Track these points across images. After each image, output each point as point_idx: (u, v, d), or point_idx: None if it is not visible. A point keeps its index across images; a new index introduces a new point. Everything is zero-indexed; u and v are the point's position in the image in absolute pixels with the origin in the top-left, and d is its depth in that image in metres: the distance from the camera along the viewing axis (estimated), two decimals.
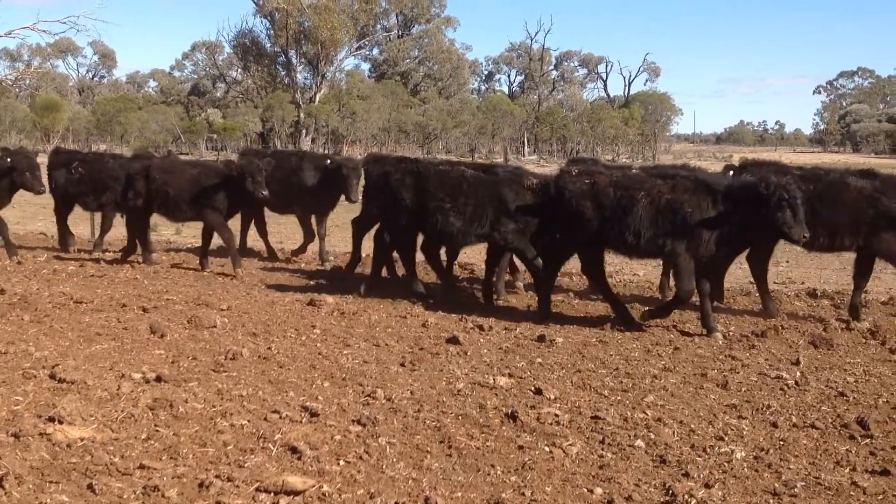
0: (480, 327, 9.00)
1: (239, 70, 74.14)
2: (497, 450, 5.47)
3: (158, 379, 6.60)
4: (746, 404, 6.55)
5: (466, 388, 6.77)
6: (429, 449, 5.44)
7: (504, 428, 5.89)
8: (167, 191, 12.38)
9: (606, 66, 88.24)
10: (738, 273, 13.26)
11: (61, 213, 14.38)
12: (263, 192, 12.14)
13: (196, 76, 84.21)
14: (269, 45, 66.28)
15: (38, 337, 7.91)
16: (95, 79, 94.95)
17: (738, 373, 7.48)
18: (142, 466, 4.92)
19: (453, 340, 8.34)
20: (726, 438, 5.77)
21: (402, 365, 7.45)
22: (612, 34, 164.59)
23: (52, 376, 6.53)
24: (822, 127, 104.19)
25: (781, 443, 5.74)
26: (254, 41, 66.61)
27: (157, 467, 4.92)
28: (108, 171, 13.70)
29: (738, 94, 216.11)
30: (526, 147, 69.46)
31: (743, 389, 6.97)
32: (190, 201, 12.28)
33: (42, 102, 62.21)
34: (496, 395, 6.64)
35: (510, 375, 7.19)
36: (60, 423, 5.48)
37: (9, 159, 12.96)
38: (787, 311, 10.32)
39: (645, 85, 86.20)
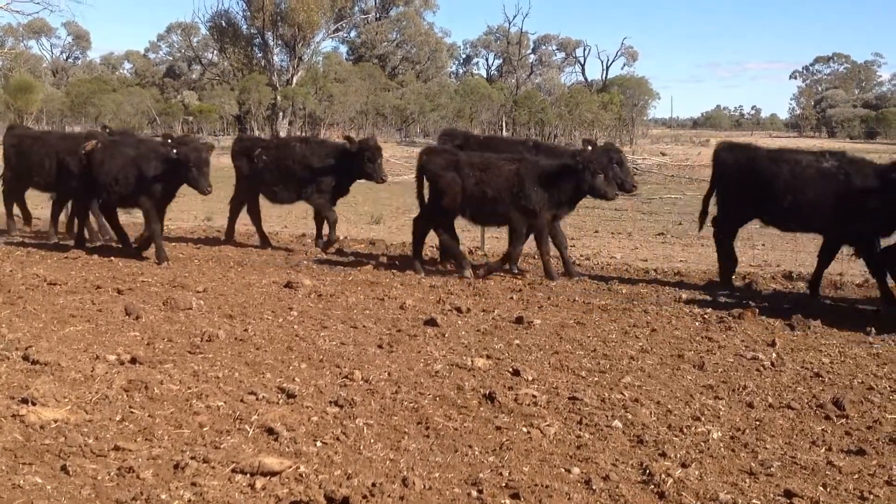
0: (458, 309, 8.98)
1: (215, 52, 73.51)
2: (475, 430, 5.46)
3: (133, 361, 6.54)
4: (723, 385, 6.58)
5: (444, 369, 6.76)
6: (406, 430, 5.43)
7: (482, 409, 5.88)
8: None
9: (584, 50, 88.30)
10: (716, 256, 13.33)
11: (238, 205, 13.83)
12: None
13: (171, 58, 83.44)
14: (245, 26, 65.70)
15: (11, 319, 7.82)
16: (69, 60, 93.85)
17: (714, 354, 7.51)
18: (116, 448, 4.87)
19: (431, 322, 8.31)
20: (703, 419, 5.79)
21: (380, 347, 7.42)
22: (590, 18, 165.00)
23: (26, 358, 6.45)
24: (797, 112, 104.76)
25: (758, 423, 5.77)
26: (230, 22, 66.00)
27: (131, 449, 4.88)
28: (298, 159, 13.12)
29: (715, 78, 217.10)
30: (504, 131, 69.39)
31: (719, 370, 7.00)
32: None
33: (16, 84, 61.37)
34: (474, 376, 6.62)
35: (488, 357, 7.18)
36: (34, 404, 5.42)
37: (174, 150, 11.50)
38: (764, 293, 10.38)
39: (622, 69, 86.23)
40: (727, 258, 10.86)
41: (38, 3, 56.96)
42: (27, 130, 15.18)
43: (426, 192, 11.53)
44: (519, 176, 10.76)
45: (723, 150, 11.11)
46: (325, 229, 13.20)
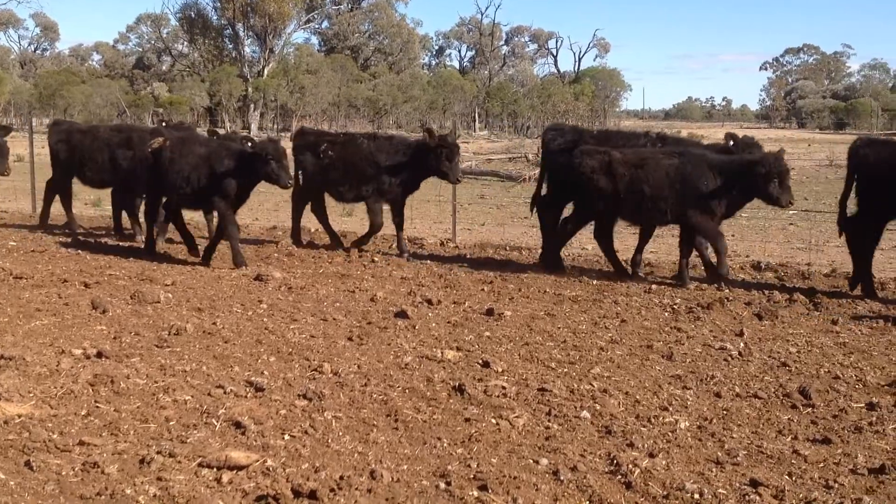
0: (429, 301, 8.97)
1: (185, 43, 72.90)
2: (444, 422, 5.46)
3: (99, 355, 6.47)
4: (691, 375, 6.62)
5: (414, 361, 6.75)
6: (375, 422, 5.41)
7: (451, 401, 5.88)
8: None
9: (557, 41, 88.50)
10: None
11: (300, 203, 13.05)
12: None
13: (141, 49, 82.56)
14: (215, 17, 65.28)
15: None
16: (37, 52, 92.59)
17: (682, 344, 7.56)
18: (81, 443, 4.82)
19: (402, 315, 8.30)
20: (671, 409, 5.82)
21: (350, 339, 7.40)
22: (562, 10, 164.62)
23: None
24: (768, 103, 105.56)
25: (725, 412, 5.81)
26: (200, 14, 65.52)
27: (96, 444, 4.82)
28: (366, 155, 12.45)
29: (687, 70, 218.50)
30: (477, 122, 69.43)
31: (688, 360, 7.04)
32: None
33: None
34: (444, 368, 6.62)
35: (458, 349, 7.18)
36: None
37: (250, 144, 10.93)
38: (733, 283, 10.45)
39: (595, 61, 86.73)
40: (864, 261, 10.14)
41: None
42: (74, 124, 14.78)
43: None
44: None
45: (861, 146, 10.36)
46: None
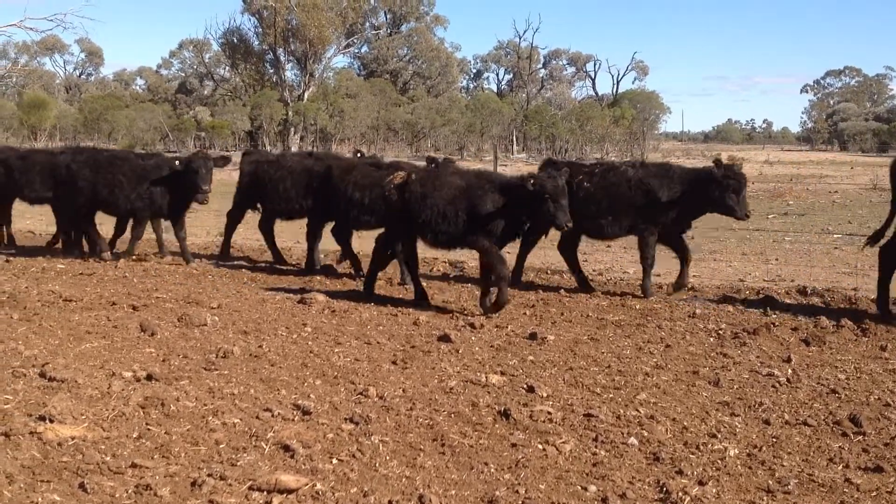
0: (472, 325, 8.98)
1: (227, 68, 73.91)
2: (490, 447, 5.46)
3: (149, 377, 6.55)
4: (739, 401, 6.56)
5: (459, 385, 6.76)
6: (422, 447, 5.42)
7: (497, 426, 5.88)
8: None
9: (595, 64, 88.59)
10: (729, 271, 13.32)
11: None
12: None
13: (184, 74, 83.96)
14: (256, 42, 66.02)
15: (28, 335, 7.84)
16: (82, 76, 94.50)
17: (729, 370, 7.49)
18: (133, 465, 4.88)
19: (445, 338, 8.32)
20: (719, 436, 5.77)
21: (394, 363, 7.43)
22: (600, 33, 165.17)
23: (42, 375, 6.47)
24: (809, 125, 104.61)
25: (774, 440, 5.74)
26: (241, 39, 66.34)
27: (148, 466, 4.89)
28: (634, 185, 11.22)
29: (725, 92, 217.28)
30: (515, 145, 69.50)
31: (735, 387, 6.98)
32: None
33: (29, 100, 61.90)
34: (488, 392, 6.62)
35: (502, 373, 7.18)
36: (51, 421, 5.44)
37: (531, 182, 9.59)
38: (778, 309, 10.35)
39: (633, 83, 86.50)
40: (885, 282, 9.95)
41: (52, 21, 57.42)
42: (264, 153, 14.78)
43: None
44: None
45: None
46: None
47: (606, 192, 11.25)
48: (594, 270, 13.20)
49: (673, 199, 11.00)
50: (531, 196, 9.49)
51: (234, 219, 13.93)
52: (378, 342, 8.18)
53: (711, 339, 8.70)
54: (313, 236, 12.77)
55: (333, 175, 12.24)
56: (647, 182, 11.09)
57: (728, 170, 10.83)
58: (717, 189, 10.77)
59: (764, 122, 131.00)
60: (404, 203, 10.05)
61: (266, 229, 13.64)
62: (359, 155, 14.19)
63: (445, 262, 13.62)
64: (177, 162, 12.84)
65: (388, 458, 5.22)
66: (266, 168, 13.28)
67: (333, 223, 12.84)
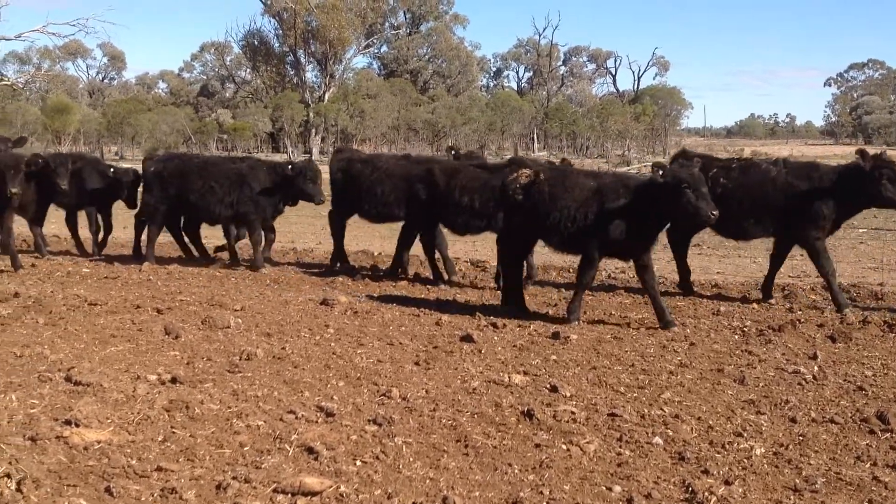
0: (494, 325, 8.97)
1: (248, 70, 74.35)
2: (514, 448, 5.44)
3: (174, 380, 6.59)
4: (764, 400, 6.50)
5: (482, 386, 6.74)
6: (445, 448, 5.41)
7: (520, 426, 5.86)
8: None
9: (615, 60, 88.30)
10: (753, 267, 13.23)
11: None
12: None
13: (205, 77, 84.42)
14: (277, 44, 66.44)
15: (53, 340, 7.91)
16: (105, 81, 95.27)
17: (755, 368, 7.43)
18: (159, 469, 4.91)
19: (467, 338, 8.31)
20: (745, 434, 5.72)
21: (417, 364, 7.42)
22: (620, 29, 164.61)
23: (68, 379, 6.51)
24: (833, 119, 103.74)
25: (801, 438, 5.69)
26: (262, 41, 66.75)
27: (174, 469, 4.91)
28: (780, 185, 10.51)
29: (747, 87, 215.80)
30: (535, 143, 69.39)
31: (760, 385, 6.92)
32: None
33: (53, 105, 62.46)
34: (511, 392, 6.60)
35: (525, 373, 7.16)
36: (77, 425, 5.47)
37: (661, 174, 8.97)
38: (803, 305, 10.27)
39: (654, 79, 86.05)
40: None
41: (74, 26, 57.95)
42: (357, 153, 14.07)
43: None
44: None
45: None
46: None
47: (748, 191, 10.51)
48: (616, 268, 13.14)
49: (821, 197, 10.21)
50: (666, 189, 8.75)
51: (338, 222, 13.24)
52: (400, 343, 8.18)
53: (736, 337, 8.64)
54: (405, 242, 12.36)
55: (436, 178, 11.66)
56: (792, 182, 10.38)
57: (877, 160, 10.07)
58: (871, 184, 9.96)
59: (787, 116, 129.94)
60: (531, 204, 9.46)
61: (339, 229, 13.21)
62: (453, 153, 13.87)
63: (467, 262, 13.61)
64: (289, 167, 12.68)
65: (411, 459, 5.21)
66: (361, 168, 12.74)
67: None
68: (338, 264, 13.03)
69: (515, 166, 9.87)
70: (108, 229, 14.45)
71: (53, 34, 59.97)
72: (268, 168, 12.91)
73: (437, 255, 12.21)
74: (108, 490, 4.62)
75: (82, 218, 14.49)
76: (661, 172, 8.82)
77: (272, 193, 12.75)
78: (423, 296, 10.84)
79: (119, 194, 14.14)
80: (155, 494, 4.60)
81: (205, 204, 12.85)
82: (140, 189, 13.94)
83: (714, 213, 8.68)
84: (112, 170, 14.20)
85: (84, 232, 14.52)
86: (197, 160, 13.61)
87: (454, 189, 11.41)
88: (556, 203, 9.24)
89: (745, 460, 5.25)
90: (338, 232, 13.09)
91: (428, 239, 12.06)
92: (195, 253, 13.89)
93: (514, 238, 9.91)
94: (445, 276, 12.06)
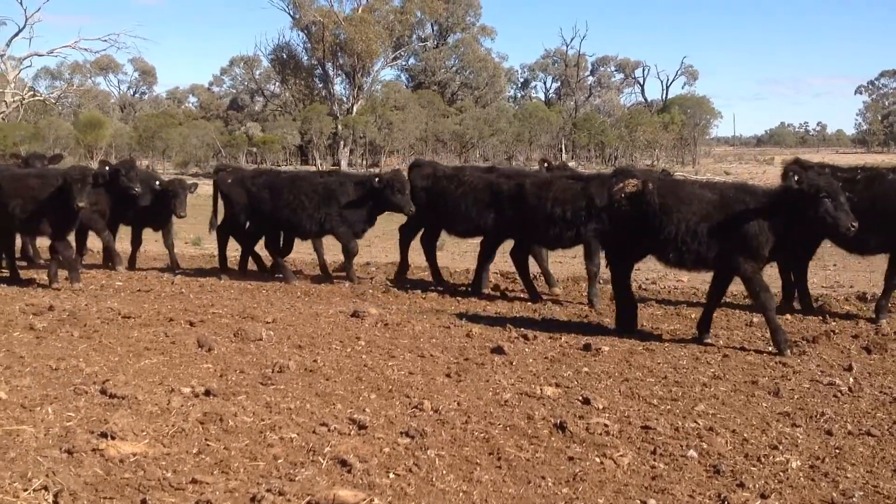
0: (525, 337, 8.95)
1: (277, 83, 74.72)
2: (547, 461, 5.42)
3: (207, 393, 6.63)
4: (800, 412, 6.44)
5: (513, 398, 6.73)
6: (478, 461, 5.41)
7: (553, 439, 5.84)
8: None
9: (643, 70, 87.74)
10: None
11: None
12: None
13: (235, 91, 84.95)
14: (306, 58, 66.74)
15: (88, 352, 7.99)
16: (136, 95, 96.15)
17: (789, 380, 7.37)
18: (194, 481, 4.94)
19: (498, 350, 8.30)
20: (781, 447, 5.67)
21: (448, 376, 7.42)
22: (648, 39, 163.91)
23: (103, 392, 6.58)
24: (864, 127, 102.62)
25: (837, 451, 5.63)
26: (291, 54, 67.10)
27: (209, 482, 4.94)
28: None
29: (777, 95, 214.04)
30: (563, 153, 69.25)
31: (795, 397, 6.85)
32: None
33: (85, 120, 63.06)
34: (544, 405, 6.58)
35: (557, 385, 7.14)
36: (113, 438, 5.52)
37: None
38: (837, 315, 10.17)
39: (683, 89, 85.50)
40: None
41: (106, 41, 58.65)
42: (437, 166, 13.74)
43: None
44: None
45: None
46: None
47: (874, 202, 9.76)
48: (646, 279, 13.09)
49: None
50: (802, 198, 8.29)
51: (410, 236, 13.28)
52: (432, 355, 8.19)
53: (770, 348, 8.55)
54: (487, 256, 12.19)
55: (527, 191, 11.39)
56: None
57: None
58: None
59: (818, 124, 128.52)
60: (641, 216, 8.94)
61: (430, 246, 13.12)
62: (546, 165, 13.55)
63: (496, 273, 13.59)
64: (376, 180, 12.61)
65: (444, 472, 5.21)
66: (444, 183, 12.61)
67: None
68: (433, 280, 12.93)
69: (622, 176, 9.34)
70: (138, 243, 14.54)
71: (85, 49, 60.78)
72: (355, 182, 12.93)
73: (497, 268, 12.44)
74: (143, 503, 4.66)
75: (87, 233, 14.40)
76: (796, 179, 8.31)
77: (361, 207, 12.73)
78: (453, 308, 10.84)
79: (166, 208, 13.95)
80: None
81: (295, 219, 12.87)
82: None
83: (854, 224, 8.26)
84: (158, 183, 14.09)
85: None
86: (286, 175, 13.63)
87: (546, 202, 11.15)
88: (671, 216, 8.74)
89: (781, 473, 5.20)
90: (405, 244, 13.15)
91: (519, 254, 11.79)
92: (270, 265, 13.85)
93: (622, 252, 9.43)
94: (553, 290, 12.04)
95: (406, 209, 12.40)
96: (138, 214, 13.98)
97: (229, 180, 13.49)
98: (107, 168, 12.73)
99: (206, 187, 19.49)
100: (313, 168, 48.78)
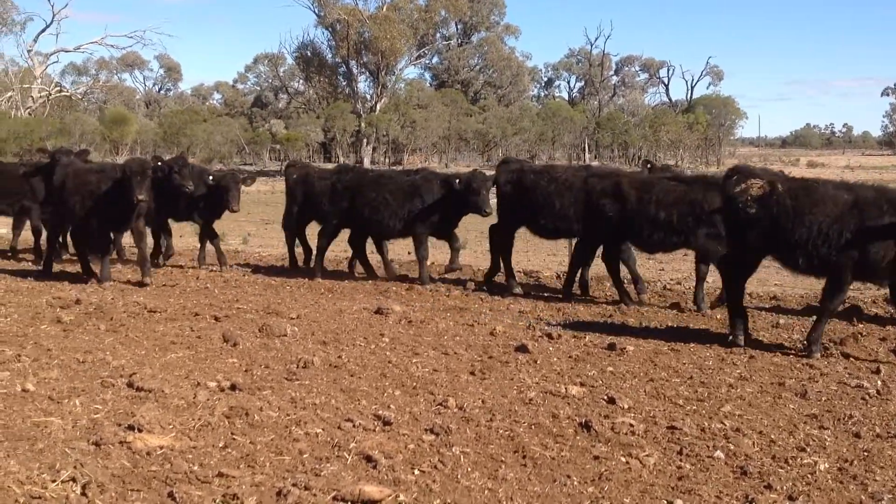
0: (549, 335, 8.93)
1: (301, 81, 74.99)
2: (572, 460, 5.40)
3: (233, 387, 6.66)
4: (827, 414, 6.38)
5: (538, 397, 6.71)
6: (503, 459, 5.39)
7: (578, 438, 5.82)
8: None
9: (668, 70, 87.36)
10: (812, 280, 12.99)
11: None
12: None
13: (259, 88, 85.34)
14: (330, 56, 66.86)
15: (115, 346, 8.05)
16: (161, 92, 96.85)
17: (816, 382, 7.30)
18: (220, 475, 4.96)
19: (522, 349, 8.28)
20: (808, 449, 5.62)
21: (472, 373, 7.41)
22: (673, 38, 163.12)
23: (130, 385, 6.63)
24: (891, 129, 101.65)
25: (865, 454, 5.57)
26: (315, 52, 67.25)
27: (235, 475, 4.95)
28: None
29: (803, 96, 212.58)
30: (587, 153, 69.06)
31: (823, 399, 6.79)
32: None
33: (111, 116, 63.58)
34: (568, 404, 6.56)
35: (582, 384, 7.11)
36: (140, 431, 5.56)
37: None
38: (864, 318, 10.07)
39: (708, 89, 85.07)
40: None
41: (131, 38, 59.13)
42: (527, 164, 13.48)
43: None
44: None
45: None
46: None
47: None
48: (672, 280, 13.02)
49: None
50: None
51: (505, 237, 12.67)
52: (455, 353, 8.18)
53: (796, 350, 8.48)
54: (582, 260, 11.72)
55: (625, 191, 10.92)
56: None
57: None
58: None
59: (843, 126, 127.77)
60: (768, 220, 8.40)
61: (506, 244, 12.65)
62: (648, 166, 13.03)
63: (520, 272, 13.56)
64: (456, 181, 12.36)
65: (469, 469, 5.20)
66: (534, 180, 12.18)
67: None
68: (511, 280, 12.35)
69: (742, 176, 8.69)
70: (207, 237, 14.24)
71: (111, 46, 61.31)
72: (441, 181, 12.64)
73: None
74: (170, 495, 4.68)
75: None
76: None
77: (442, 207, 12.47)
78: (476, 306, 10.82)
79: (220, 202, 13.69)
80: (217, 500, 4.66)
81: (378, 217, 12.63)
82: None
83: None
84: (211, 177, 13.87)
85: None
86: (372, 173, 13.35)
87: (647, 203, 10.71)
88: (803, 219, 8.15)
89: (809, 475, 5.15)
90: (505, 247, 12.55)
91: (612, 256, 11.39)
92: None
93: (741, 257, 8.85)
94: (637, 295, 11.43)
95: (483, 210, 12.12)
96: (191, 209, 13.84)
97: (294, 176, 13.44)
98: (159, 164, 12.61)
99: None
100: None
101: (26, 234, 15.57)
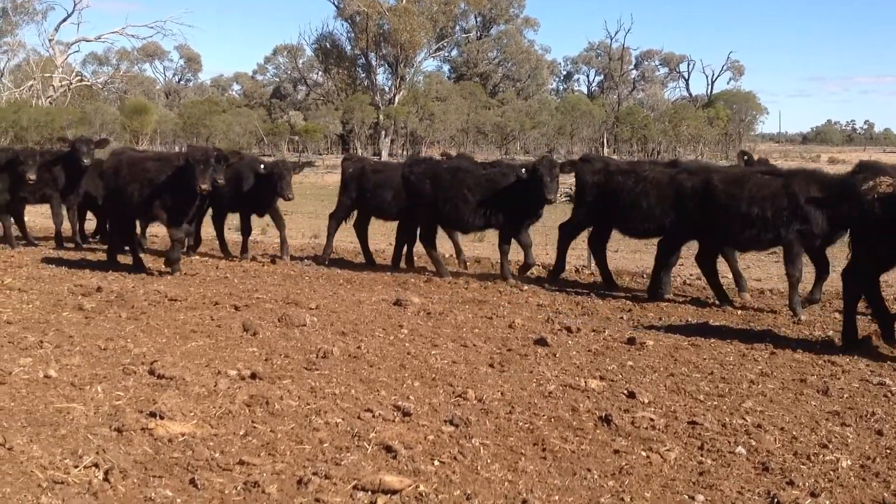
0: (568, 329, 8.91)
1: (320, 73, 75.15)
2: (592, 453, 5.39)
3: (253, 376, 6.68)
4: (849, 411, 6.33)
5: (557, 390, 6.69)
6: (523, 451, 5.39)
7: (598, 431, 5.80)
8: None
9: (688, 65, 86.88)
10: (833, 276, 12.91)
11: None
12: None
13: (278, 79, 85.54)
14: (349, 47, 67.07)
15: (136, 334, 8.09)
16: (181, 82, 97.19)
17: (838, 378, 7.25)
18: (241, 462, 4.98)
19: (541, 342, 8.26)
20: (830, 446, 5.58)
21: (491, 366, 7.41)
22: (694, 33, 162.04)
23: (152, 372, 6.66)
24: None
25: (888, 451, 5.53)
26: (334, 44, 67.45)
27: (256, 463, 4.97)
28: None
29: (824, 92, 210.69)
30: (605, 147, 68.85)
31: (845, 396, 6.74)
32: None
33: (131, 105, 63.93)
34: (588, 397, 6.54)
35: (601, 378, 7.09)
36: (161, 418, 5.59)
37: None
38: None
39: (728, 84, 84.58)
40: None
41: (152, 28, 59.34)
42: (609, 160, 13.17)
43: None
44: None
45: None
46: None
47: None
48: (691, 275, 12.96)
49: None
50: None
51: (572, 235, 12.58)
52: (474, 345, 8.18)
53: (818, 346, 8.43)
54: (667, 258, 11.18)
55: (716, 187, 10.50)
56: None
57: None
58: None
59: (865, 122, 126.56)
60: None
61: (599, 247, 12.45)
62: (745, 159, 12.56)
63: (539, 265, 13.54)
64: (523, 171, 11.95)
65: (489, 461, 5.20)
66: (620, 179, 11.81)
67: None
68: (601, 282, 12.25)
69: (870, 173, 8.21)
70: (248, 231, 14.31)
71: (132, 36, 61.57)
72: (515, 173, 12.14)
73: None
74: (192, 482, 4.70)
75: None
76: None
77: (516, 199, 12.05)
78: (495, 298, 10.81)
79: (272, 192, 13.62)
80: (238, 487, 4.67)
81: (457, 212, 12.43)
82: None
83: None
84: (262, 166, 13.73)
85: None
86: (447, 165, 12.97)
87: (741, 200, 10.25)
88: None
89: (832, 472, 5.11)
90: (597, 251, 12.42)
91: (706, 257, 11.06)
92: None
93: (870, 262, 8.25)
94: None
95: (548, 197, 11.57)
96: (243, 200, 13.80)
97: (350, 170, 13.47)
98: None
99: None
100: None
101: (43, 223, 15.67)
